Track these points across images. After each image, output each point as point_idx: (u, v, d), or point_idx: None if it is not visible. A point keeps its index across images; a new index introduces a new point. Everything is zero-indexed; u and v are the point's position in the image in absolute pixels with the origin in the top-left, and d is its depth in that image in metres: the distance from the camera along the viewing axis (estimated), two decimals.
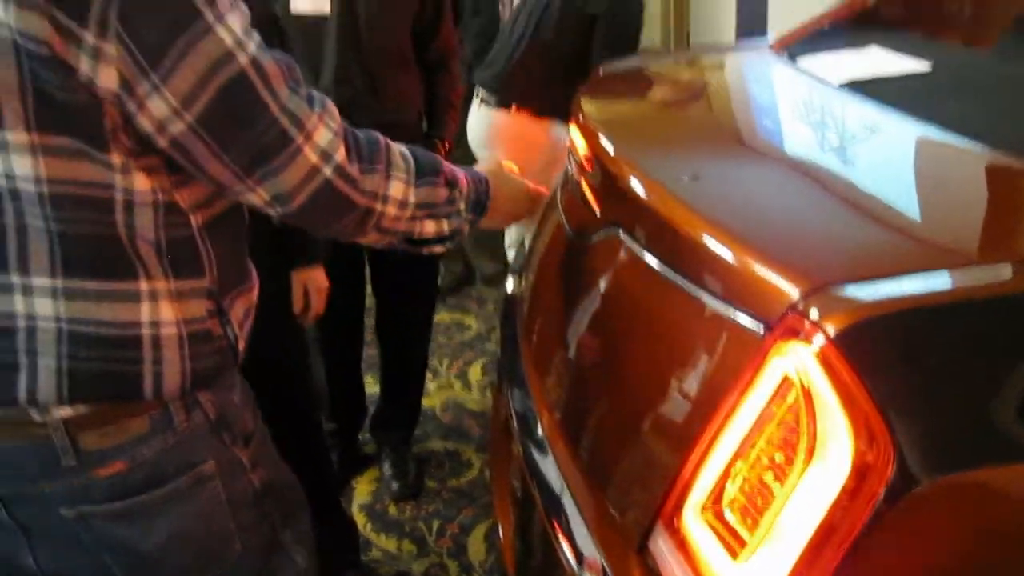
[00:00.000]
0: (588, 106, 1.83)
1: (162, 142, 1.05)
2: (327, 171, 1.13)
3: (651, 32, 7.07)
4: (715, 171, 1.46)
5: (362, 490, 2.88)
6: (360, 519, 2.73)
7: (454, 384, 3.48)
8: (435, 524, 2.71)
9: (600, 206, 1.58)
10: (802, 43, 2.14)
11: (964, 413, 0.97)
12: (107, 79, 0.99)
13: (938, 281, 1.02)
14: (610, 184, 1.52)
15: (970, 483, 0.96)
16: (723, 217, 1.23)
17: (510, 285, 2.20)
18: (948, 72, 1.82)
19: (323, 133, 1.12)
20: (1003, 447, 0.97)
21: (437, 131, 2.69)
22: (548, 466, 1.50)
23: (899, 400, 0.95)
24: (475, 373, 3.54)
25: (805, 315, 0.99)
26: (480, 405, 3.30)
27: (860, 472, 0.94)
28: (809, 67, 1.93)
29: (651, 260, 1.33)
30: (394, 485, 2.84)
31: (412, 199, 1.24)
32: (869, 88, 1.68)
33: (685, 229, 1.24)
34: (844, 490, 0.95)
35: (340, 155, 1.14)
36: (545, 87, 3.06)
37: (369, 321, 2.91)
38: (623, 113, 1.97)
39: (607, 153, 1.56)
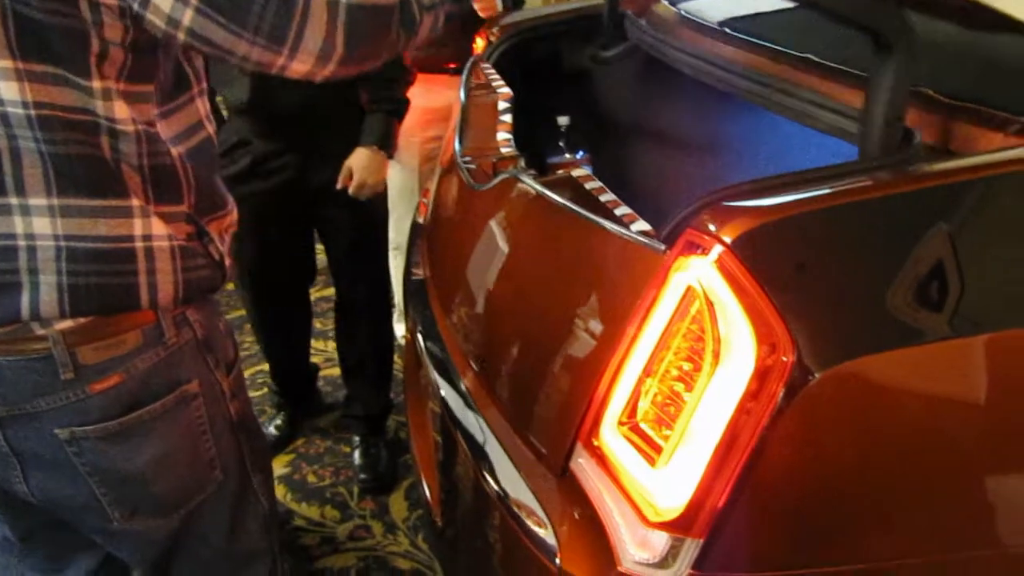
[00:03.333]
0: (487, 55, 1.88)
1: (181, 36, 1.07)
2: None
3: None
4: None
5: (279, 460, 2.87)
6: (279, 491, 2.72)
7: None
8: (355, 488, 2.73)
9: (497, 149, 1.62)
10: None
11: (850, 307, 1.05)
12: None
13: (820, 190, 1.10)
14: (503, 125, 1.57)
15: (858, 371, 1.04)
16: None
17: (413, 237, 2.23)
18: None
19: None
20: (883, 336, 1.05)
21: None
22: (466, 407, 1.55)
23: (794, 300, 1.02)
24: None
25: (701, 228, 1.05)
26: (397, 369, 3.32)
27: (762, 372, 1.01)
28: (689, 9, 2.01)
29: (548, 194, 1.37)
30: (361, 476, 2.75)
31: None
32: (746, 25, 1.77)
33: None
34: (747, 390, 1.02)
35: None
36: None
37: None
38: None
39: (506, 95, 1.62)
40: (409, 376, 2.15)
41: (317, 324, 3.50)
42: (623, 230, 1.19)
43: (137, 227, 1.16)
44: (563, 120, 2.12)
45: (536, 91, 2.13)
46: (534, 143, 1.90)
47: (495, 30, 2.29)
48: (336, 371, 3.09)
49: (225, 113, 2.49)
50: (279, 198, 2.43)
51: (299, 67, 1.11)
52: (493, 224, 1.59)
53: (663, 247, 1.10)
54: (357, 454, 2.80)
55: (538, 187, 1.39)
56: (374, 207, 2.60)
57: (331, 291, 3.75)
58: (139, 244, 1.17)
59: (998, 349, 1.09)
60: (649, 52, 2.02)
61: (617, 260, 1.22)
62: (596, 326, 1.23)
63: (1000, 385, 1.10)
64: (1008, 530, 1.15)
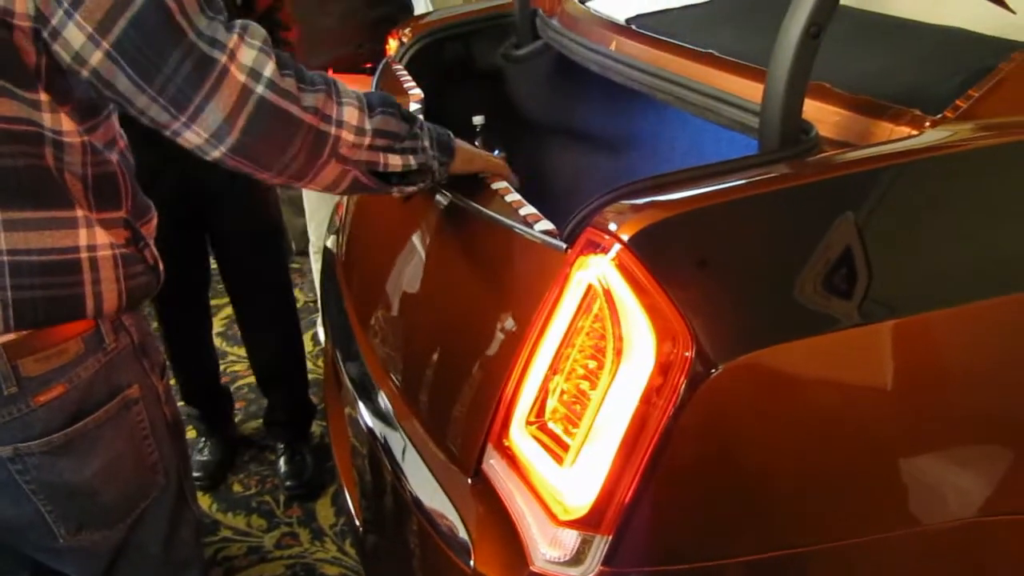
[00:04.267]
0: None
1: (85, 73, 1.05)
2: (259, 89, 1.08)
3: None
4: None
5: None
6: (204, 501, 2.69)
7: None
8: (281, 496, 2.70)
9: None
10: None
11: (751, 298, 1.07)
12: (21, 6, 1.01)
13: (718, 185, 1.11)
14: None
15: (763, 362, 1.05)
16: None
17: (330, 242, 2.22)
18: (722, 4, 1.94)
19: (247, 51, 1.08)
20: (787, 326, 1.06)
21: None
22: (381, 412, 1.54)
23: (694, 294, 1.03)
24: (307, 343, 3.51)
25: (601, 227, 1.05)
26: (315, 374, 3.29)
27: (663, 367, 1.02)
28: (597, 7, 2.01)
29: (455, 199, 1.37)
30: (287, 483, 2.71)
31: (368, 126, 1.18)
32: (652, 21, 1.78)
33: None
34: (650, 386, 1.02)
35: (270, 70, 1.09)
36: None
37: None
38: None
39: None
40: (328, 381, 2.13)
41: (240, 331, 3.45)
42: (527, 230, 1.19)
43: (82, 237, 1.15)
44: (478, 119, 2.12)
45: (450, 91, 2.12)
46: None
47: (407, 31, 2.28)
48: None
49: None
50: (168, 207, 2.30)
51: (191, 137, 1.09)
52: (404, 227, 1.58)
53: (564, 246, 1.11)
54: (282, 461, 2.76)
55: (446, 191, 1.38)
56: (267, 209, 2.54)
57: None
58: (84, 255, 1.16)
59: (906, 334, 1.12)
60: (560, 50, 2.02)
61: (522, 260, 1.22)
62: (504, 327, 1.23)
63: (908, 369, 1.13)
64: (922, 509, 1.17)
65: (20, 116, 1.07)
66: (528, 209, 1.24)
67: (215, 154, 1.10)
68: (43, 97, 1.08)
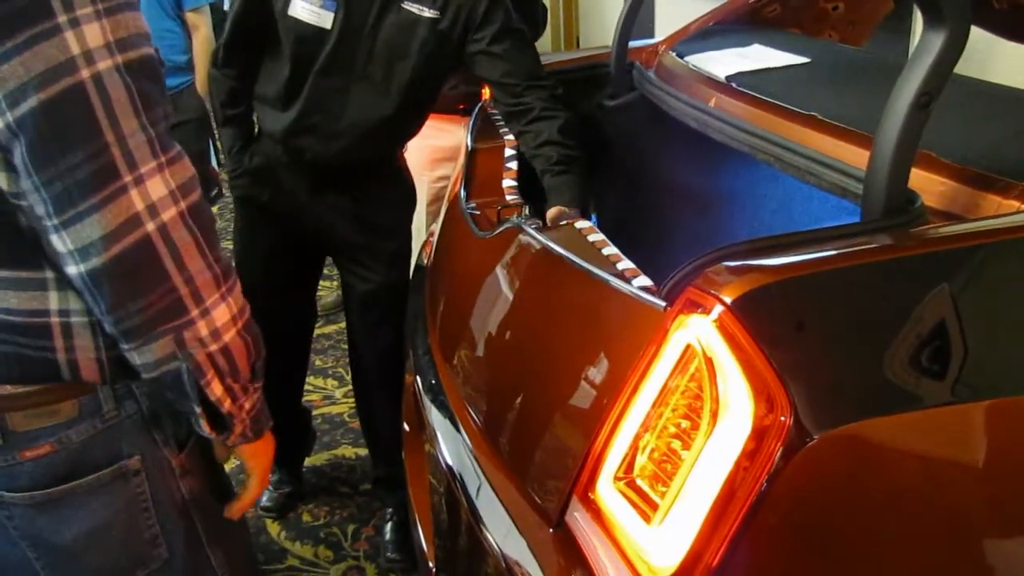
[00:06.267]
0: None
1: None
2: (149, 226, 0.98)
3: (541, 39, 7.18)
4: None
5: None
6: (273, 529, 2.72)
7: None
8: (350, 528, 2.72)
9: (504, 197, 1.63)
10: (689, 42, 2.24)
11: (850, 370, 1.05)
12: None
13: (822, 251, 1.10)
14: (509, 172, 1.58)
15: (857, 434, 1.03)
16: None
17: (416, 280, 2.24)
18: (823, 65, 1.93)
19: (158, 183, 0.99)
20: (883, 399, 1.05)
21: None
22: (463, 453, 1.54)
23: (794, 361, 1.02)
24: None
25: (703, 287, 1.05)
26: None
27: (759, 432, 1.01)
28: (697, 63, 2.02)
29: (551, 245, 1.38)
30: (390, 555, 2.57)
31: (226, 338, 1.09)
32: (752, 80, 1.78)
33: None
34: (745, 450, 1.01)
35: (171, 214, 1.00)
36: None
37: None
38: None
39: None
40: (408, 417, 2.14)
41: (316, 361, 3.50)
42: (624, 285, 1.19)
43: (52, 301, 1.08)
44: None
45: None
46: (540, 190, 1.91)
47: None
48: (334, 409, 3.10)
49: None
50: (299, 242, 2.31)
51: (56, 242, 0.99)
52: (495, 272, 1.59)
53: (664, 304, 1.11)
54: (388, 528, 2.63)
55: (541, 238, 1.40)
56: (404, 259, 2.40)
57: (330, 328, 3.79)
58: (55, 319, 1.08)
59: (1000, 416, 1.09)
60: (656, 103, 2.04)
61: (618, 314, 1.22)
62: (594, 379, 1.23)
63: (1001, 451, 1.10)
64: None
65: None
66: (625, 263, 1.24)
67: (71, 270, 1.01)
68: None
